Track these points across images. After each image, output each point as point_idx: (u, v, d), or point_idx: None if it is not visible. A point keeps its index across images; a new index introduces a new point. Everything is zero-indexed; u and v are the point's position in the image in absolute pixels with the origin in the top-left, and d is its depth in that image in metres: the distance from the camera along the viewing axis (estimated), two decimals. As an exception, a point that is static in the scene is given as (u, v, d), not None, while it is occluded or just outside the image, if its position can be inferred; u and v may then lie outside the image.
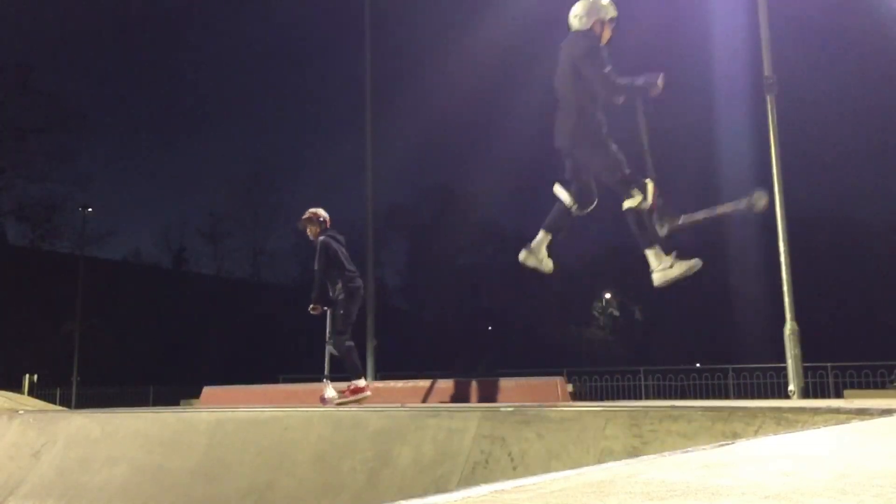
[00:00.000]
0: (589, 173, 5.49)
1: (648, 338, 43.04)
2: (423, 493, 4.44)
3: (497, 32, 33.38)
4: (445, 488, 4.85)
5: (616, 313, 50.89)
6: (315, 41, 72.53)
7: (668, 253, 5.36)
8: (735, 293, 36.81)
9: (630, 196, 5.21)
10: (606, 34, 5.39)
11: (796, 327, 10.40)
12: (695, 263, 5.33)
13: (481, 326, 46.50)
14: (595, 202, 5.59)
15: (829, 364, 16.77)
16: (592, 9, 5.33)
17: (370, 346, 15.69)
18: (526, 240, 6.06)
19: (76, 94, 67.01)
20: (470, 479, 4.94)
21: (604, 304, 51.11)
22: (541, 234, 5.71)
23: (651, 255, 5.36)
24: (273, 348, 38.55)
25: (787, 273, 10.64)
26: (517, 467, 4.89)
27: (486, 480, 4.29)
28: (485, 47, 37.06)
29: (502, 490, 1.73)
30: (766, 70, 11.13)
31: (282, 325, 41.26)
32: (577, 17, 5.36)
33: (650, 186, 5.25)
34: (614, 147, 5.34)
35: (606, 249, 48.32)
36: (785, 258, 10.70)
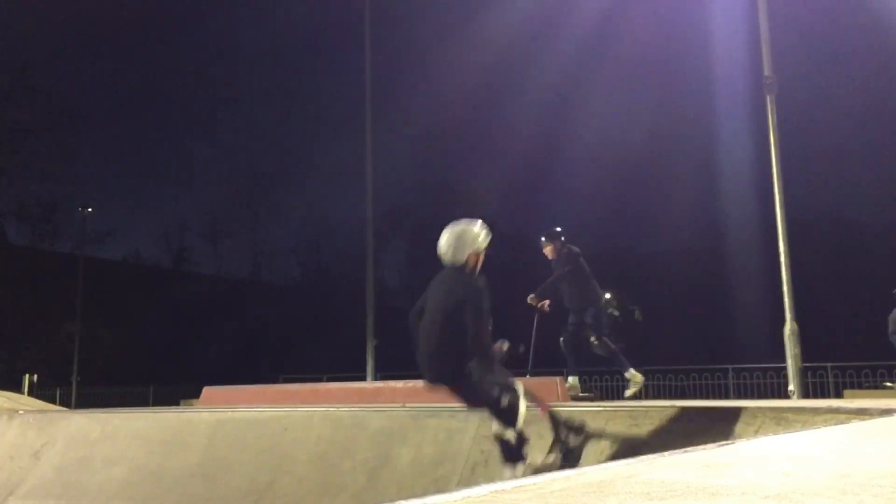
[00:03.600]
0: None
1: (648, 338, 43.00)
2: (423, 493, 4.44)
3: (496, 32, 33.38)
4: (445, 488, 4.84)
5: (616, 313, 50.83)
6: (316, 41, 72.47)
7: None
8: (735, 293, 36.77)
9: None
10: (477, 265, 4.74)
11: (796, 327, 10.40)
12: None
13: (481, 326, 46.37)
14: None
15: (829, 364, 16.75)
16: (463, 241, 4.70)
17: (370, 346, 15.68)
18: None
19: (76, 94, 66.84)
20: (470, 479, 4.94)
21: (604, 304, 51.04)
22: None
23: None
24: (273, 348, 38.52)
25: (787, 273, 10.63)
26: (517, 467, 4.88)
27: (486, 480, 4.30)
28: (484, 47, 37.06)
29: (502, 490, 1.73)
30: (766, 70, 11.14)
31: (282, 325, 41.22)
32: (448, 245, 4.68)
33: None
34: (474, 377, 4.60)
35: (606, 249, 48.31)
36: (785, 258, 10.70)
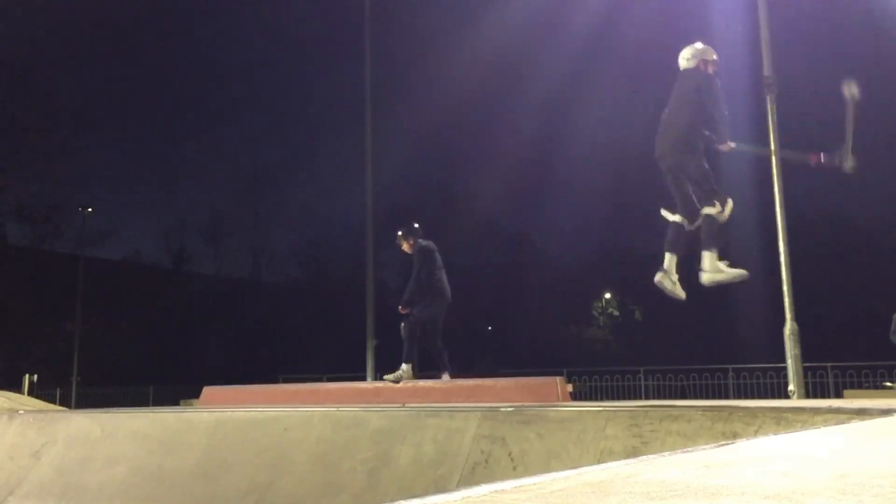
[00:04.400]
0: (687, 184, 6.29)
1: (648, 338, 42.98)
2: (423, 493, 4.43)
3: (497, 32, 33.38)
4: (445, 488, 4.85)
5: (616, 313, 50.82)
6: (316, 41, 72.50)
7: (721, 259, 6.25)
8: (735, 293, 36.76)
9: (712, 205, 6.23)
10: (710, 70, 6.49)
11: (796, 327, 10.39)
12: (741, 274, 6.29)
13: (481, 326, 46.46)
14: (699, 214, 6.26)
15: (829, 364, 16.75)
16: (697, 53, 6.50)
17: (370, 346, 15.69)
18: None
19: (76, 94, 66.80)
20: (470, 479, 4.94)
21: (604, 304, 51.05)
22: (668, 257, 6.43)
23: (707, 256, 6.25)
24: (273, 348, 38.52)
25: (786, 273, 10.63)
26: (517, 467, 4.89)
27: (486, 480, 4.29)
28: (485, 47, 37.05)
29: (502, 490, 1.73)
30: (766, 70, 11.13)
31: (282, 325, 41.22)
32: (685, 59, 6.51)
33: (730, 203, 6.28)
34: (705, 164, 6.26)
35: (606, 249, 48.30)
36: (785, 258, 10.70)
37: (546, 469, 4.48)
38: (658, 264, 6.48)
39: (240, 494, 5.80)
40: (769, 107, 10.97)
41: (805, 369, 10.81)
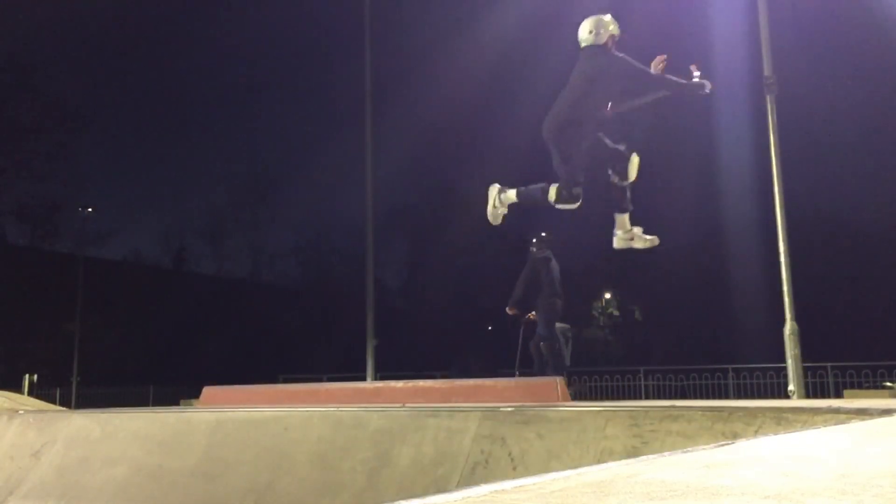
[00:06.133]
0: (575, 157, 5.92)
1: (648, 338, 42.94)
2: (423, 493, 4.44)
3: (497, 32, 33.37)
4: (445, 488, 4.85)
5: (616, 313, 50.77)
6: (315, 40, 72.47)
7: (634, 225, 6.17)
8: (735, 293, 36.76)
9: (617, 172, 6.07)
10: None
11: (796, 327, 10.40)
12: (653, 240, 6.23)
13: (481, 326, 46.45)
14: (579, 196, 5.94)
15: (829, 364, 16.75)
16: (601, 25, 5.89)
17: (370, 346, 15.70)
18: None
19: (76, 94, 66.71)
20: (470, 479, 4.94)
21: (604, 304, 51.01)
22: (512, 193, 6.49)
23: (619, 219, 6.21)
24: (273, 348, 38.52)
25: (787, 273, 10.64)
26: (517, 467, 4.89)
27: (486, 480, 4.29)
28: (485, 46, 37.05)
29: (502, 490, 1.73)
30: (766, 70, 11.14)
31: (282, 325, 41.24)
32: (590, 32, 5.90)
33: (635, 160, 5.99)
34: (602, 137, 6.01)
35: (606, 249, 48.23)
36: (785, 258, 10.71)
37: (546, 469, 4.48)
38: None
39: (240, 494, 5.80)
40: (769, 107, 10.98)
41: (805, 369, 10.83)
